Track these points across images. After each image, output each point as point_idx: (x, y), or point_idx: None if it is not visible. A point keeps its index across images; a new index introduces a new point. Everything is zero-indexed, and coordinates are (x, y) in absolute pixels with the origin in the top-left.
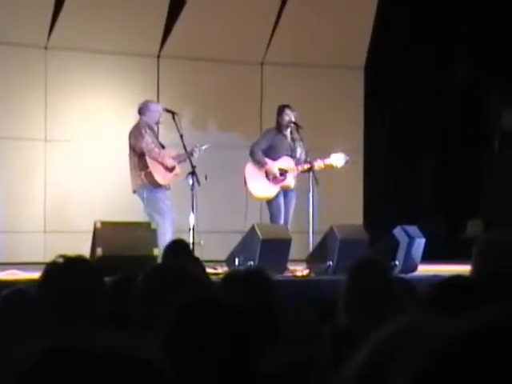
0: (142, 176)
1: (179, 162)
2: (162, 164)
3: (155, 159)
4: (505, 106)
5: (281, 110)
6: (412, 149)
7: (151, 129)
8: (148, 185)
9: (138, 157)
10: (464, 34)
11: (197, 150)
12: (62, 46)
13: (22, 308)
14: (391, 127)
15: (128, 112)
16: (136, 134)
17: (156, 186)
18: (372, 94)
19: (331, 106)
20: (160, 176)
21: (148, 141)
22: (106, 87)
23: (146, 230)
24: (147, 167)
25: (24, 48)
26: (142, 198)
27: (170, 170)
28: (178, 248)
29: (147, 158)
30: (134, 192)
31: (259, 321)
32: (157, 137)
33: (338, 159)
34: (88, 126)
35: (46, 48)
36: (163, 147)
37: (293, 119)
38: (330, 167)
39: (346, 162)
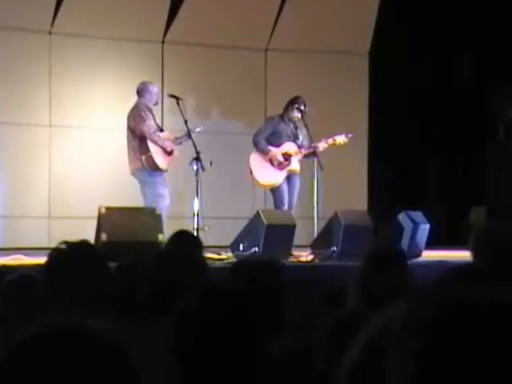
0: (143, 159)
1: (177, 144)
2: (162, 147)
3: (156, 143)
4: (510, 94)
5: (296, 103)
6: (416, 135)
7: (150, 111)
8: (148, 168)
9: (139, 140)
10: (470, 22)
11: (191, 132)
12: (67, 31)
13: (27, 292)
14: (396, 113)
15: (132, 98)
16: (136, 116)
17: (156, 169)
18: (376, 80)
19: (336, 91)
20: (160, 160)
21: (150, 124)
22: (111, 73)
23: (151, 216)
24: (148, 151)
25: (28, 33)
26: (141, 180)
27: (170, 153)
28: (183, 239)
29: (148, 141)
30: (132, 174)
31: (267, 307)
32: (155, 119)
33: (340, 137)
34: (92, 112)
35: (50, 33)
36: (161, 130)
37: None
38: (334, 145)
39: (348, 137)
